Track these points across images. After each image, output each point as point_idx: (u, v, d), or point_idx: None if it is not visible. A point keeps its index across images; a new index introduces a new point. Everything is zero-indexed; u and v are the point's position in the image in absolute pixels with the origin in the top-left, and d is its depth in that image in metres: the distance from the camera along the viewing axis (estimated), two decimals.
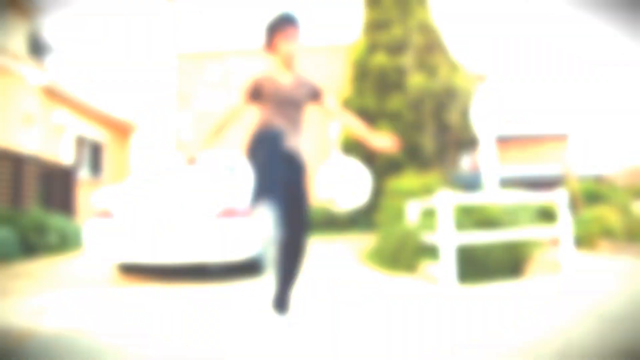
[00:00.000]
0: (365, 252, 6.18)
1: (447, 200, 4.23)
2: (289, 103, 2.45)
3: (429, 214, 5.32)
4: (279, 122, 2.38)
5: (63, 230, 6.93)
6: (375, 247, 6.03)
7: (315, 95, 2.55)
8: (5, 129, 9.63)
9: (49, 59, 16.01)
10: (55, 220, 6.95)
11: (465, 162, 8.20)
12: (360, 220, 9.06)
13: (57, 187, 8.72)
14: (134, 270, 5.02)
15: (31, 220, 6.50)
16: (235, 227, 3.91)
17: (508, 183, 8.15)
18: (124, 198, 4.30)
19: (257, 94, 2.45)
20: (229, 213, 3.98)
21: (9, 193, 7.30)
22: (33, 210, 6.89)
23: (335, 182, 2.21)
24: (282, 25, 2.41)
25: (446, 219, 4.23)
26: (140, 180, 4.79)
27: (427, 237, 4.85)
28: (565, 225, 4.76)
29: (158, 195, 4.23)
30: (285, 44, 2.41)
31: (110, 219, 4.17)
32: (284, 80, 2.47)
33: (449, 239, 4.23)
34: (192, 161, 2.51)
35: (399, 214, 6.30)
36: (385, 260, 5.35)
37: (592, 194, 8.95)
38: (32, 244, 6.28)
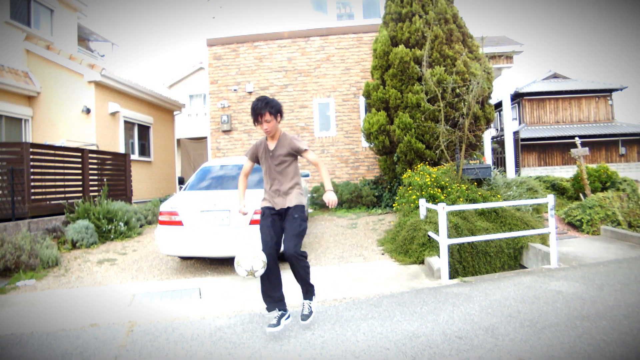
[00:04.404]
0: (383, 239, 7.07)
1: (442, 209, 5.06)
2: (273, 160, 3.65)
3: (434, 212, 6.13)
4: (271, 176, 3.66)
5: (126, 216, 8.16)
6: (391, 235, 6.91)
7: (296, 153, 3.66)
8: (69, 122, 10.95)
9: (98, 51, 17.16)
10: (119, 207, 8.19)
11: (478, 154, 8.73)
12: (384, 198, 9.96)
13: (115, 173, 10.01)
14: (192, 260, 6.27)
15: (102, 210, 7.77)
16: None
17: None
18: (184, 208, 5.46)
19: (255, 155, 3.78)
20: (256, 222, 5.19)
21: (79, 185, 8.64)
22: (102, 200, 8.13)
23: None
24: (258, 114, 3.50)
25: (442, 223, 5.08)
26: (195, 192, 5.93)
27: (430, 234, 5.73)
28: (551, 224, 5.49)
29: (209, 207, 5.39)
30: (264, 125, 3.55)
31: (176, 225, 5.38)
32: (271, 146, 3.68)
33: (443, 239, 5.09)
34: (243, 213, 3.77)
35: (412, 206, 7.14)
36: (399, 249, 6.23)
37: (603, 180, 9.33)
38: (104, 231, 7.59)
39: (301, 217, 3.57)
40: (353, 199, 10.15)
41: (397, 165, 9.30)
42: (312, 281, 3.66)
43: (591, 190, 9.14)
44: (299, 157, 3.76)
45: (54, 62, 11.03)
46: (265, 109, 3.48)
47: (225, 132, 11.51)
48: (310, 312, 3.55)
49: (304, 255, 3.51)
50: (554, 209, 5.71)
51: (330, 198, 3.54)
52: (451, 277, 5.21)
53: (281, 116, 3.63)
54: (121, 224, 7.87)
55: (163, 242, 5.50)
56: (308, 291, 3.64)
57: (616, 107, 23.87)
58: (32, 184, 7.44)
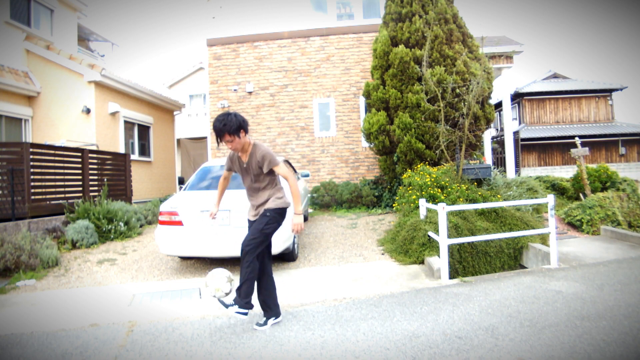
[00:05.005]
0: (383, 239, 7.07)
1: (442, 209, 5.06)
2: (248, 173, 3.70)
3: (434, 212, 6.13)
4: (246, 185, 3.76)
5: (126, 216, 8.15)
6: (391, 235, 6.91)
7: (265, 168, 3.58)
8: (69, 122, 10.94)
9: (98, 51, 17.15)
10: (119, 207, 8.19)
11: (478, 154, 8.73)
12: (384, 198, 9.97)
13: (115, 173, 10.01)
14: (193, 260, 6.26)
15: (102, 210, 7.77)
16: None
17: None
18: (184, 208, 5.46)
19: (230, 166, 3.84)
20: None
21: (79, 185, 8.64)
22: (102, 200, 8.13)
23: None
24: (217, 136, 3.51)
25: (442, 223, 5.08)
26: (195, 192, 5.92)
27: (430, 234, 5.72)
28: (551, 224, 5.48)
29: (209, 207, 5.35)
30: (227, 145, 3.56)
31: (176, 225, 5.38)
32: (244, 159, 3.70)
33: (444, 239, 5.08)
34: (213, 215, 3.96)
35: (412, 206, 7.13)
36: (399, 249, 6.23)
37: (603, 180, 9.32)
38: (104, 231, 7.58)
39: (272, 216, 3.56)
40: (353, 199, 10.16)
41: (397, 165, 9.30)
42: (248, 287, 3.48)
43: (591, 190, 9.14)
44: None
45: (54, 62, 11.02)
46: (223, 131, 3.45)
47: None
48: (227, 305, 3.44)
49: (252, 254, 3.45)
50: (554, 209, 5.71)
51: (295, 222, 3.57)
52: (451, 277, 5.20)
53: (245, 131, 3.55)
54: (121, 224, 7.86)
55: (163, 242, 5.51)
56: (239, 289, 3.48)
57: (616, 107, 23.90)
58: (32, 184, 7.44)
